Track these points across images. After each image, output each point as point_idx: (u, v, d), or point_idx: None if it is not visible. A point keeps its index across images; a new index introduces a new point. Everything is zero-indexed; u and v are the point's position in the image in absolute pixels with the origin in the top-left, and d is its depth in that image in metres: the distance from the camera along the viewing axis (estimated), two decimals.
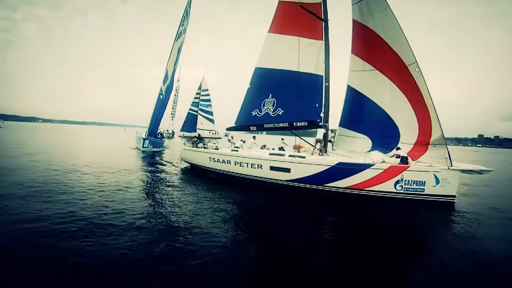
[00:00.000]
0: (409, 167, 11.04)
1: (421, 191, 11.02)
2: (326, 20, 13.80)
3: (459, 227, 8.46)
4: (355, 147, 13.48)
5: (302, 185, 11.99)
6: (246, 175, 13.41)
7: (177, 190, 11.19)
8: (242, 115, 16.10)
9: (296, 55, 14.40)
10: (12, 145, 25.87)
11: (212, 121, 63.92)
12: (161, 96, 26.18)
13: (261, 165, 12.77)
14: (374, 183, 11.13)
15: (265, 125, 14.85)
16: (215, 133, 62.18)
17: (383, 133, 12.84)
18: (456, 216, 9.66)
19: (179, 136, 61.23)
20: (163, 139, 32.71)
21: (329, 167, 11.42)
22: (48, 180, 11.25)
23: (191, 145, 17.57)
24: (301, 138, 14.98)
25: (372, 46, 13.04)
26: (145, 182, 12.33)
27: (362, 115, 13.50)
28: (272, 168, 12.48)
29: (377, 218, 9.64)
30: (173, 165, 18.32)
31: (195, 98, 63.16)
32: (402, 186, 11.05)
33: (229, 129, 16.65)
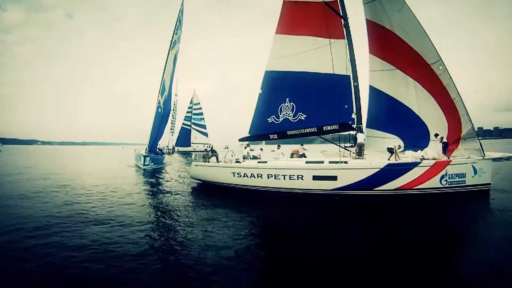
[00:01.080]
0: (451, 161, 11.15)
1: (463, 183, 11.18)
2: (346, 18, 13.39)
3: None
4: (385, 148, 13.20)
5: (350, 192, 11.27)
6: (284, 188, 12.15)
7: (194, 214, 9.71)
8: (257, 123, 15.11)
9: (314, 55, 13.80)
10: (12, 169, 25.47)
11: (205, 134, 66.15)
12: (160, 109, 24.51)
13: (302, 176, 11.66)
14: (422, 180, 10.97)
15: (288, 132, 13.88)
16: (210, 146, 61.75)
17: (413, 132, 12.82)
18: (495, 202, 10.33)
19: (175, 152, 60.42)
20: (164, 155, 31.38)
21: (378, 169, 10.98)
22: (48, 215, 9.42)
23: (201, 160, 15.82)
24: (335, 143, 14.11)
25: (391, 46, 12.97)
26: (156, 209, 10.77)
27: (389, 115, 13.37)
28: (315, 177, 11.52)
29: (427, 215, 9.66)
30: (181, 183, 16.85)
31: (187, 112, 64.47)
32: (446, 181, 11.11)
33: (243, 139, 15.45)
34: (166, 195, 13.27)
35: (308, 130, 13.45)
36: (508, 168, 14.43)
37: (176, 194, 13.25)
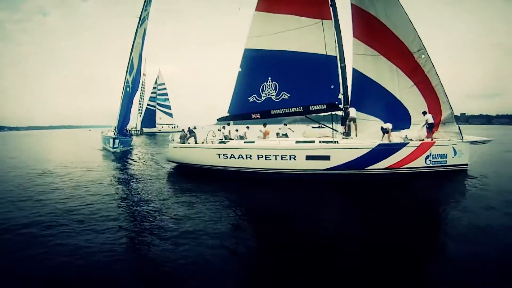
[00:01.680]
0: (435, 142, 11.46)
1: (444, 163, 11.60)
2: None
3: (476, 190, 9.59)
4: (368, 129, 13.16)
5: (343, 171, 11.06)
6: (275, 169, 11.60)
7: (172, 201, 8.64)
8: (237, 102, 14.34)
9: (298, 35, 13.28)
10: None
11: (170, 115, 66.11)
12: (128, 89, 22.56)
13: (295, 156, 11.20)
14: (409, 160, 11.17)
15: (272, 112, 13.34)
16: (175, 127, 63.70)
17: (395, 116, 12.83)
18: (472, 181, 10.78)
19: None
20: (132, 137, 29.58)
21: (370, 149, 10.93)
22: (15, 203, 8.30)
23: (179, 141, 14.52)
24: (322, 124, 13.88)
25: (375, 32, 12.92)
26: (130, 196, 9.62)
27: (372, 98, 13.29)
28: (308, 157, 11.12)
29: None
30: (154, 166, 15.62)
31: (152, 92, 63.58)
32: (430, 160, 11.43)
33: (222, 119, 14.63)
34: (141, 180, 11.98)
35: (293, 110, 13.01)
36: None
37: (151, 179, 12.04)
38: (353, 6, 13.39)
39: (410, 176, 11.17)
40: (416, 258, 5.13)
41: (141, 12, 22.57)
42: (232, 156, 12.19)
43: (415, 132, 12.20)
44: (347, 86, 12.83)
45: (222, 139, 13.54)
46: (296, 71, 13.28)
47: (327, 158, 11.01)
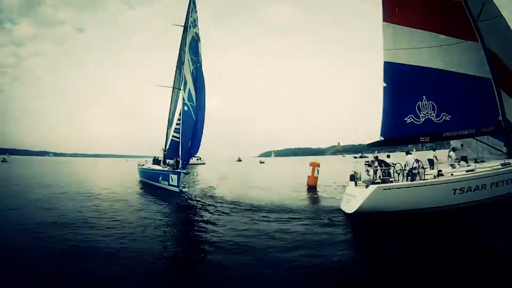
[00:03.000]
0: None
1: None
2: (475, 20, 13.13)
3: None
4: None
5: None
6: None
7: None
8: (392, 124, 13.14)
9: (441, 52, 13.12)
10: None
11: None
12: (186, 107, 17.81)
13: None
14: None
15: (446, 134, 12.72)
16: (198, 159, 62.27)
17: None
18: None
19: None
20: None
21: None
22: None
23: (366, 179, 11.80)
24: (490, 146, 14.00)
25: (498, 72, 13.45)
26: None
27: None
28: None
29: None
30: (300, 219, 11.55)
31: (177, 124, 51.64)
32: None
33: (375, 144, 13.19)
34: None
35: (466, 132, 12.82)
36: None
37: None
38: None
39: None
40: None
41: (186, 20, 18.39)
42: None
43: None
44: (504, 110, 13.01)
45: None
46: (451, 91, 13.06)
47: None
